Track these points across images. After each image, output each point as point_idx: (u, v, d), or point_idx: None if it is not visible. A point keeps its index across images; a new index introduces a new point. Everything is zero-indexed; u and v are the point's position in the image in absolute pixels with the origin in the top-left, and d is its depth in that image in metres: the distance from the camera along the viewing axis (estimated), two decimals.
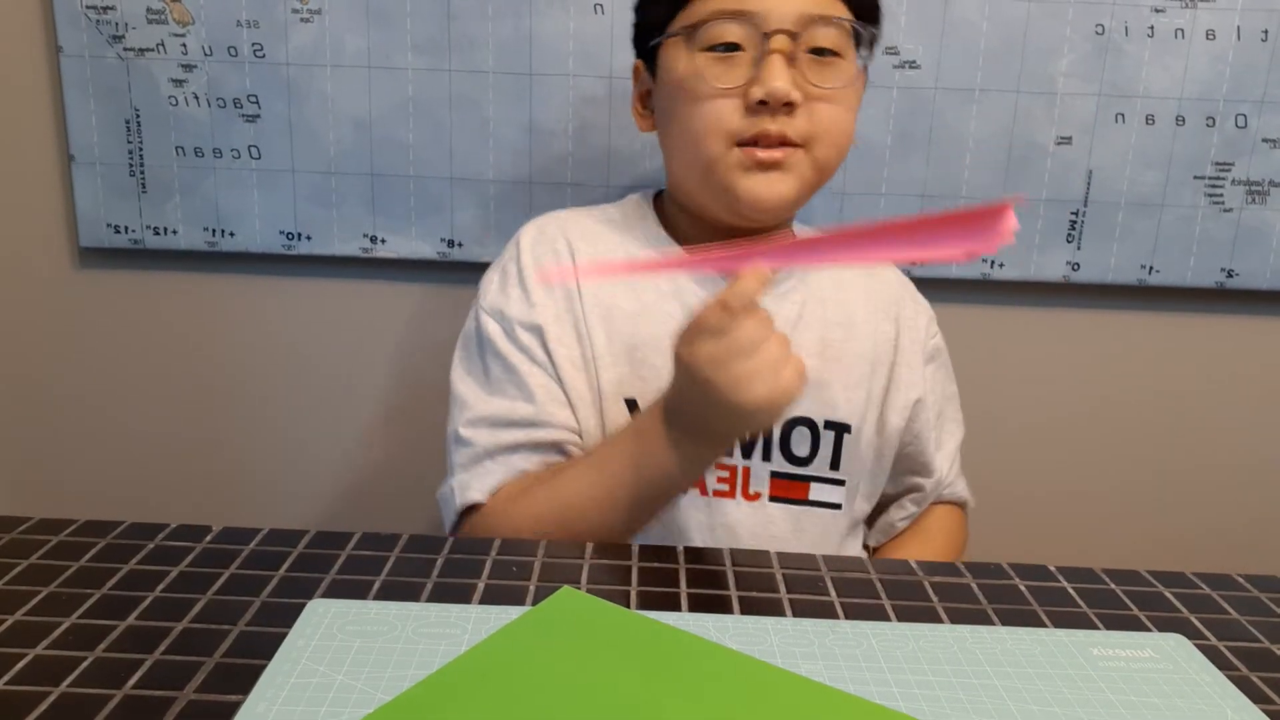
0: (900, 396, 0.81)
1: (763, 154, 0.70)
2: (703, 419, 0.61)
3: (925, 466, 0.84)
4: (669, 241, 0.78)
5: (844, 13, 0.71)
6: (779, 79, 0.67)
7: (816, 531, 0.76)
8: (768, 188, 0.71)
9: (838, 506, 0.77)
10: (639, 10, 0.78)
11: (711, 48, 0.70)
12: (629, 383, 0.74)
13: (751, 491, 0.75)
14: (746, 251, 0.57)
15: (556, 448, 0.72)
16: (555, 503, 0.66)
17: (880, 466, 0.81)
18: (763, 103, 0.68)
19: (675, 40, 0.72)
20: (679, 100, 0.72)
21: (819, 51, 0.70)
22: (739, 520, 0.74)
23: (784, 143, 0.70)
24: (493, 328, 0.75)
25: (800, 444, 0.76)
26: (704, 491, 0.74)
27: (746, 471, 0.75)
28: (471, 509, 0.71)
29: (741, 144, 0.70)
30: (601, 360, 0.74)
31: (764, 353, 0.57)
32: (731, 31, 0.69)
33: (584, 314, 0.75)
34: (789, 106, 0.69)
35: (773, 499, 0.75)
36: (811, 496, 0.76)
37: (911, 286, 0.87)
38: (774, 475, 0.75)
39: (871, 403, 0.79)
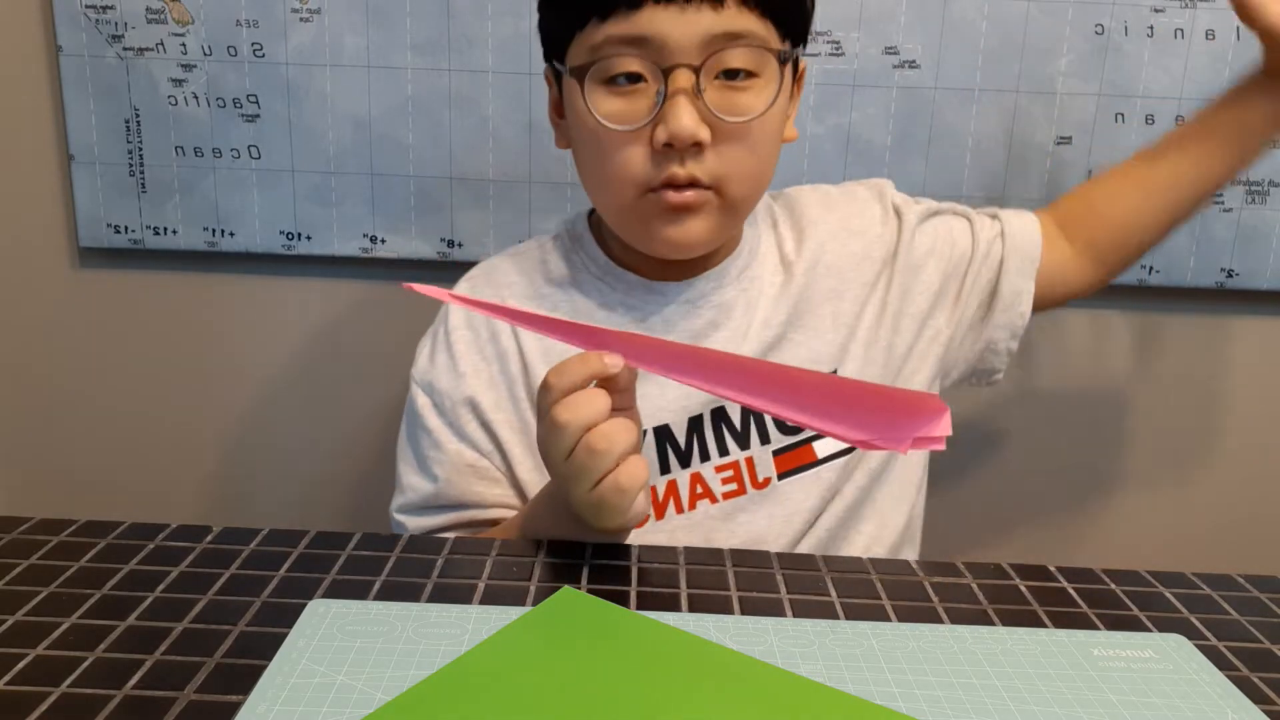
0: (905, 320, 0.76)
1: (674, 197, 0.66)
2: (585, 520, 0.58)
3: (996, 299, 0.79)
4: (607, 262, 0.75)
5: (754, 25, 0.64)
6: (684, 119, 0.63)
7: (834, 478, 0.72)
8: (682, 232, 0.67)
9: (852, 449, 0.72)
10: (540, 13, 0.72)
11: (612, 79, 0.65)
12: None
13: (760, 479, 0.72)
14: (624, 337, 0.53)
15: (490, 525, 0.71)
16: None
17: (905, 372, 0.77)
18: (669, 144, 0.64)
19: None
20: (582, 140, 0.69)
21: (732, 73, 0.64)
22: (757, 512, 0.71)
23: (694, 184, 0.66)
24: (422, 400, 0.73)
25: None
26: (713, 500, 0.72)
27: (750, 461, 0.72)
28: None
29: (652, 189, 0.66)
30: None
31: (607, 483, 0.54)
32: (631, 63, 0.64)
33: (524, 370, 0.72)
34: (697, 147, 0.64)
35: (782, 476, 0.72)
36: (821, 454, 0.72)
37: (885, 196, 0.79)
38: (776, 453, 0.72)
39: (861, 331, 0.74)
